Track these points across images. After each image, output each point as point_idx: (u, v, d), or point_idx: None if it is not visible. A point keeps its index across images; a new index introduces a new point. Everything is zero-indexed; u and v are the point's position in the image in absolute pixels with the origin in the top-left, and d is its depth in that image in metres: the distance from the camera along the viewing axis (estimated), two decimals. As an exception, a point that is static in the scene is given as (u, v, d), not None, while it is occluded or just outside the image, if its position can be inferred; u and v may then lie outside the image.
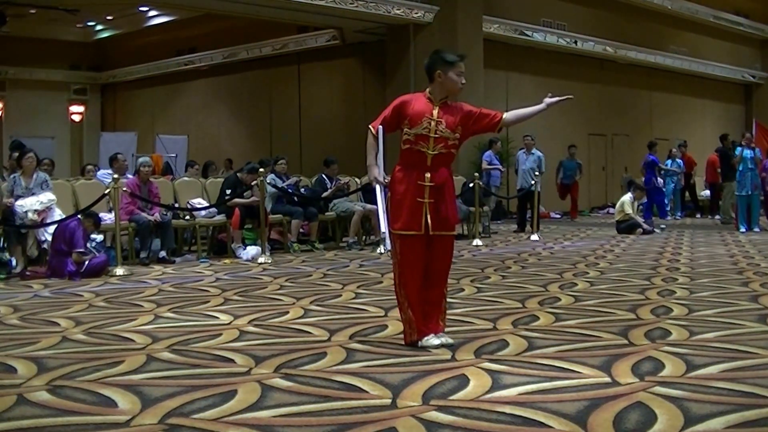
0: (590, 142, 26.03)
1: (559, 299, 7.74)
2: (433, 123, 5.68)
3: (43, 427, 3.91)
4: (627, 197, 16.85)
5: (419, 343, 5.53)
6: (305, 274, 10.13)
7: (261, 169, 12.37)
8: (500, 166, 19.04)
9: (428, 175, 5.63)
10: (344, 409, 4.15)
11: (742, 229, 16.42)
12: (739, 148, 17.18)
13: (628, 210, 16.58)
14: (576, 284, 8.83)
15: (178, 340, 5.94)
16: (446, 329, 5.71)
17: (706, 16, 29.19)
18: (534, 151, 17.45)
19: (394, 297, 5.78)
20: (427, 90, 5.92)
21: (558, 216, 22.51)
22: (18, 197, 10.79)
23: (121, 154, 13.35)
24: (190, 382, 4.67)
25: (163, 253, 11.89)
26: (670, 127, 28.72)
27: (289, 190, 13.78)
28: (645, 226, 16.44)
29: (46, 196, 10.91)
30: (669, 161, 22.09)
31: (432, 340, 5.52)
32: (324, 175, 14.54)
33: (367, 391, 4.45)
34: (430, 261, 5.63)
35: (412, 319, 5.56)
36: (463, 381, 4.63)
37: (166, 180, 14.33)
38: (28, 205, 10.67)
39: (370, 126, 5.89)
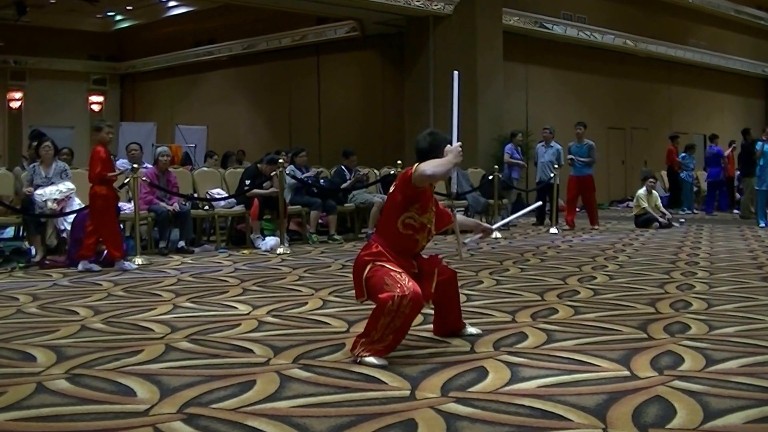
0: (609, 136, 25.94)
1: (578, 292, 7.72)
2: (432, 213, 5.32)
3: (61, 416, 3.93)
4: (641, 191, 16.83)
5: (465, 330, 5.65)
6: (324, 265, 10.13)
7: (280, 160, 12.38)
8: (521, 161, 18.93)
9: (414, 263, 5.26)
10: (363, 400, 4.15)
11: (762, 224, 16.32)
12: (759, 143, 17.05)
13: (644, 204, 16.58)
14: (595, 277, 8.80)
15: (196, 329, 5.95)
16: (464, 321, 5.74)
17: (727, 10, 29.07)
18: (553, 144, 17.34)
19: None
20: None
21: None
22: (37, 186, 10.84)
23: (135, 144, 13.30)
24: (209, 372, 4.68)
25: (181, 243, 11.92)
26: (690, 121, 28.63)
27: (308, 182, 13.78)
28: (661, 219, 16.40)
29: (66, 186, 10.95)
30: (684, 155, 22.10)
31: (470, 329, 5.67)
32: (343, 167, 14.55)
33: (385, 383, 4.44)
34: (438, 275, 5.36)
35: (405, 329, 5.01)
36: (482, 373, 4.62)
37: (185, 170, 14.36)
38: (47, 194, 10.71)
39: (423, 172, 4.98)
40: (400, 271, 4.97)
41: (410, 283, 4.87)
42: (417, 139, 5.30)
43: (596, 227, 16.48)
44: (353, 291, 5.23)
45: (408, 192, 5.09)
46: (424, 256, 5.46)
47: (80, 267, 9.78)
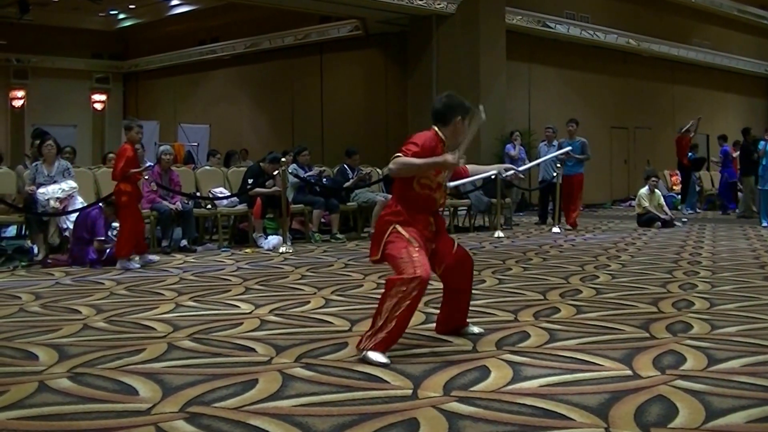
0: (612, 135, 25.96)
1: (581, 291, 7.71)
2: (447, 173, 5.42)
3: (64, 414, 3.93)
4: (643, 191, 16.81)
5: (467, 329, 5.66)
6: (326, 264, 10.12)
7: (283, 159, 12.38)
8: (525, 158, 18.94)
9: (432, 220, 5.39)
10: (365, 399, 4.15)
11: (764, 224, 16.29)
12: (762, 143, 17.00)
13: (645, 203, 16.55)
14: (597, 277, 8.80)
15: (199, 328, 5.95)
16: (467, 320, 5.73)
17: (730, 10, 29.06)
18: (555, 143, 17.34)
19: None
20: (441, 133, 5.33)
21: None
22: (40, 185, 10.84)
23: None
24: (211, 371, 4.68)
25: (184, 242, 11.92)
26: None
27: (311, 180, 13.77)
28: (663, 218, 16.38)
29: (68, 184, 10.96)
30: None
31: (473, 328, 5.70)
32: (345, 166, 14.55)
33: (388, 382, 4.44)
34: (450, 256, 5.43)
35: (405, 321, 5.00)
36: (485, 372, 4.62)
37: (187, 169, 14.36)
38: (50, 192, 10.72)
39: (400, 158, 5.12)
40: (417, 246, 5.05)
41: (421, 262, 4.95)
42: (434, 101, 5.44)
43: (571, 227, 15.90)
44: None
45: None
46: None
47: (125, 265, 9.90)
